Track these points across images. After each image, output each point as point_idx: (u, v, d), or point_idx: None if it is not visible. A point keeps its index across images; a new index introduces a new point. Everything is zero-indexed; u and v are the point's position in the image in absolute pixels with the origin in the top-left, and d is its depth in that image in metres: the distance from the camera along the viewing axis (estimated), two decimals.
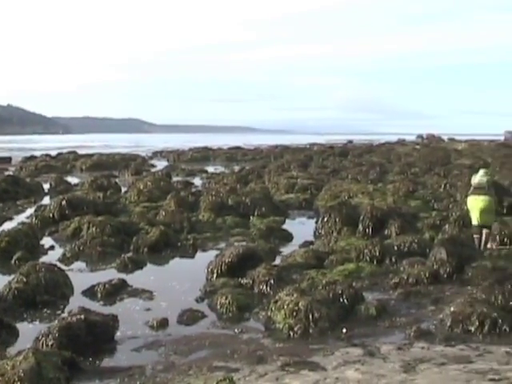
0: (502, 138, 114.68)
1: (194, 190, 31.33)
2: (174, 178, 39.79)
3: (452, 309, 11.04)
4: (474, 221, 16.75)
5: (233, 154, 70.74)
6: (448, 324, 10.76)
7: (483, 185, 16.76)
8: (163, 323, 11.46)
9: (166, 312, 12.11)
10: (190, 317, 11.87)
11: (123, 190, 32.27)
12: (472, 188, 16.96)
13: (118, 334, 10.86)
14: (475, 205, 16.63)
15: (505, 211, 22.29)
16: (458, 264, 14.48)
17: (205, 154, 70.90)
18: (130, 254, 17.21)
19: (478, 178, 16.98)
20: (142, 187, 29.32)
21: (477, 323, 10.59)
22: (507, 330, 10.49)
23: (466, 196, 17.47)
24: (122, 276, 14.91)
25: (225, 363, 9.35)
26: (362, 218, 19.33)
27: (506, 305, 11.54)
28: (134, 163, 53.62)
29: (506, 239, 17.52)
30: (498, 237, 17.56)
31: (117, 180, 38.17)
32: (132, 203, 26.98)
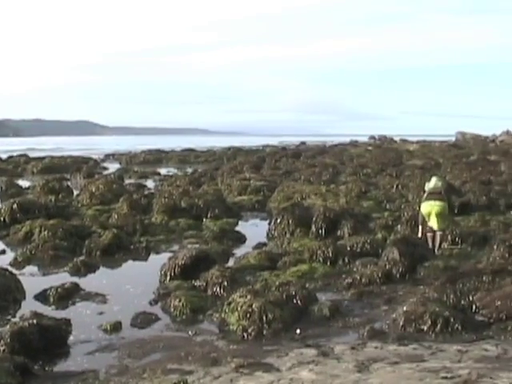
0: (454, 138, 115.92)
1: (146, 192, 31.11)
2: (127, 181, 39.56)
3: (405, 308, 11.15)
4: (431, 225, 16.78)
5: (186, 156, 70.55)
6: (401, 323, 10.86)
7: (439, 189, 16.83)
8: (116, 326, 11.39)
9: (120, 315, 12.04)
10: (143, 320, 11.81)
11: (75, 193, 31.93)
12: (427, 193, 16.96)
13: (71, 338, 10.76)
14: (431, 210, 16.65)
15: (456, 211, 22.56)
16: (410, 264, 14.65)
17: (157, 157, 70.55)
18: (82, 258, 17.05)
19: (433, 182, 17.06)
20: (94, 190, 29.07)
21: (429, 322, 10.70)
22: (459, 328, 10.62)
23: (420, 202, 17.43)
24: (75, 280, 14.77)
25: (179, 366, 9.33)
26: (314, 219, 19.39)
27: (458, 303, 11.73)
28: (86, 166, 53.06)
29: (457, 239, 17.72)
30: (449, 236, 17.77)
31: (69, 183, 37.83)
32: (84, 206, 26.72)
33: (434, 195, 16.76)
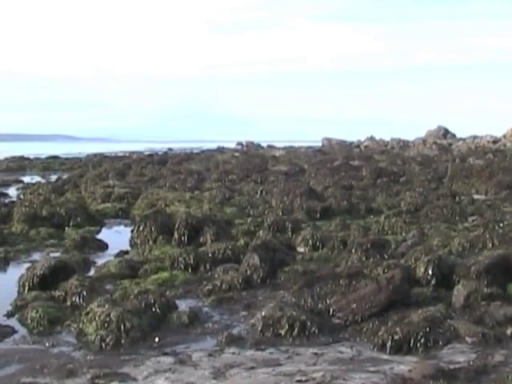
0: (320, 144, 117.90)
1: (7, 201, 30.35)
2: None
3: (263, 313, 11.25)
4: None
5: (50, 164, 69.10)
6: (259, 328, 10.95)
7: None
8: None
9: None
10: None
11: None
12: None
13: None
14: None
15: (318, 216, 23.03)
16: (270, 269, 14.81)
17: (21, 164, 68.80)
18: None
19: None
20: None
21: (286, 326, 10.84)
22: (316, 331, 10.80)
23: None
24: None
25: (33, 379, 9.12)
26: (177, 226, 19.31)
27: (315, 307, 11.93)
28: None
29: (318, 243, 18.03)
30: (310, 241, 18.08)
31: None
32: None
33: None
